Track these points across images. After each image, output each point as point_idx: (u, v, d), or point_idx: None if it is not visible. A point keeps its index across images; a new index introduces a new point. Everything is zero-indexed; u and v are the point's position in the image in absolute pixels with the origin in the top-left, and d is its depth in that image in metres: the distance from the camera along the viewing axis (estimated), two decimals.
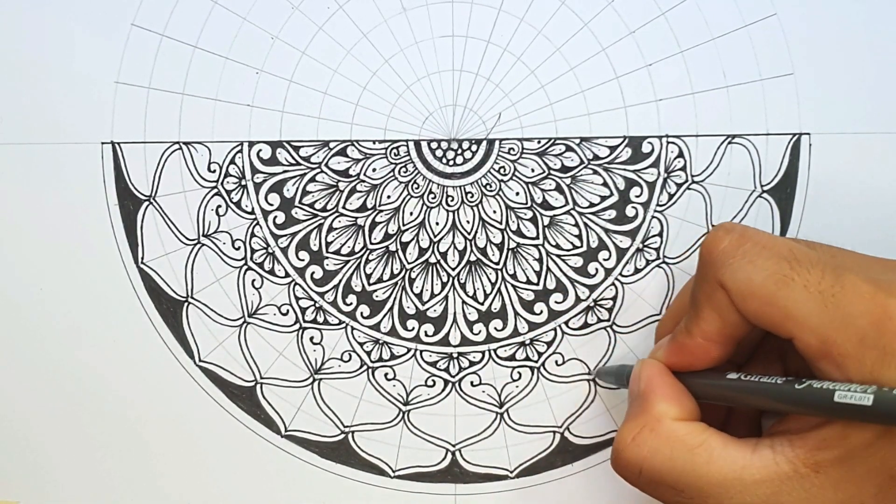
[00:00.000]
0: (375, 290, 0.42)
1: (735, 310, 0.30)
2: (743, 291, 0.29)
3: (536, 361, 0.42)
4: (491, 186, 0.41)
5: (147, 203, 0.42)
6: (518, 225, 0.42)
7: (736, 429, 0.34)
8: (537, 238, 0.42)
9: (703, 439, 0.30)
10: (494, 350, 0.42)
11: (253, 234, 0.42)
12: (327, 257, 0.42)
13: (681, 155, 0.41)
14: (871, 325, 0.27)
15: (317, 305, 0.42)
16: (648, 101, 0.40)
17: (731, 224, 0.32)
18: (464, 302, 0.42)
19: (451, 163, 0.42)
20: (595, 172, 0.41)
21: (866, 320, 0.27)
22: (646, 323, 0.42)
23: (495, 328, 0.42)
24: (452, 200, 0.42)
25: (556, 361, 0.42)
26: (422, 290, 0.42)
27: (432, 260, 0.42)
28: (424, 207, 0.42)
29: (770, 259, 0.29)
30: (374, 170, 0.42)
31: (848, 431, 0.28)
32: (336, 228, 0.42)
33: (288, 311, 0.42)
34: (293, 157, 0.42)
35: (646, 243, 0.41)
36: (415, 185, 0.42)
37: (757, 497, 0.28)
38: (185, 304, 0.42)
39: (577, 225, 0.41)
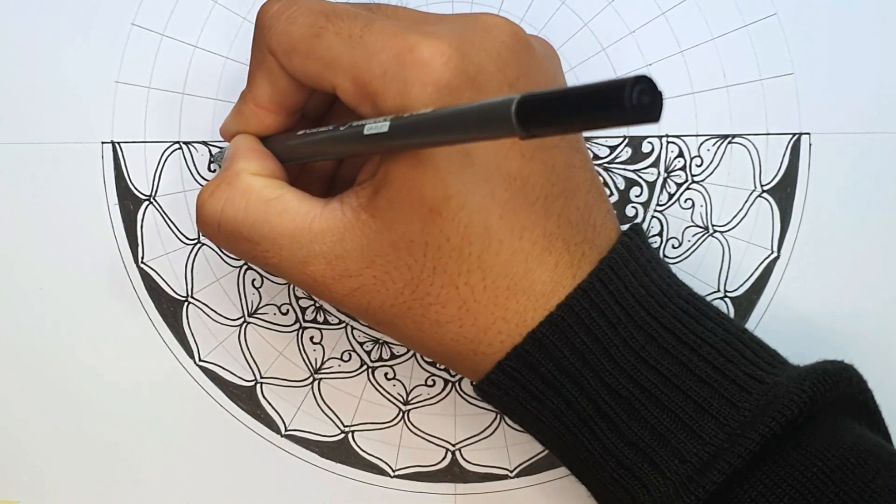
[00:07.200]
0: None
1: (284, 74, 0.31)
2: (286, 49, 0.30)
3: None
4: None
5: (147, 203, 0.42)
6: None
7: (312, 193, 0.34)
8: None
9: (280, 193, 0.31)
10: None
11: None
12: None
13: (681, 155, 0.41)
14: (392, 59, 0.27)
15: (317, 305, 0.42)
16: None
17: None
18: None
19: None
20: None
21: (388, 55, 0.27)
22: None
23: None
24: None
25: None
26: None
27: None
28: None
29: (310, 16, 0.30)
30: None
31: (388, 167, 0.29)
32: None
33: (288, 310, 0.42)
34: None
35: None
36: None
37: (324, 245, 0.30)
38: (185, 303, 0.42)
39: None
